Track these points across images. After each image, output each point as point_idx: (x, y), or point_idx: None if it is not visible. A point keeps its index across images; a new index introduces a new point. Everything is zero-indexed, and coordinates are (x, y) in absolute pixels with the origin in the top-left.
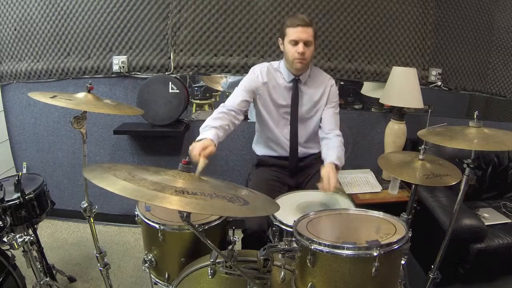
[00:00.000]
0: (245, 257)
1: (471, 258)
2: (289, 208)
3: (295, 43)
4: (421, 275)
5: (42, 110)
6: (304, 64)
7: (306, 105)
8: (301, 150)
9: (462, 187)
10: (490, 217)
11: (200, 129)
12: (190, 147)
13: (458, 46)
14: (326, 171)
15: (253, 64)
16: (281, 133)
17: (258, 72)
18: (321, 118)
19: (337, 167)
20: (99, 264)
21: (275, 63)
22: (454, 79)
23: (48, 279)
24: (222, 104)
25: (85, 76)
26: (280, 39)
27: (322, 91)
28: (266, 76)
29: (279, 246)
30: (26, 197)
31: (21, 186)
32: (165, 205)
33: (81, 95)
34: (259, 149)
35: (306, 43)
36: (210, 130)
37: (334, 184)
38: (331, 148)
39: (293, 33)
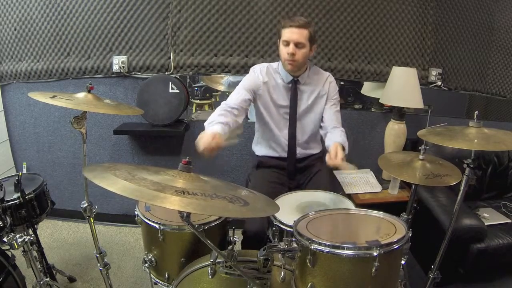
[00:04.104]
0: (245, 257)
1: (471, 258)
2: (289, 208)
3: (287, 43)
4: (421, 275)
5: (42, 110)
6: (294, 66)
7: (306, 103)
8: (301, 151)
9: (462, 187)
10: (490, 217)
11: (206, 123)
12: (198, 138)
13: (458, 46)
14: (334, 146)
15: (253, 64)
16: (281, 134)
17: (258, 72)
18: (322, 117)
19: (343, 148)
20: (99, 264)
21: (274, 64)
22: (454, 79)
23: (48, 279)
24: (223, 102)
25: (85, 76)
26: (278, 40)
27: (321, 88)
28: (266, 76)
29: (279, 246)
30: (26, 197)
31: (21, 186)
32: (166, 205)
33: (81, 95)
34: (259, 150)
35: (297, 45)
36: (217, 125)
37: (340, 157)
38: (336, 136)
39: (285, 33)
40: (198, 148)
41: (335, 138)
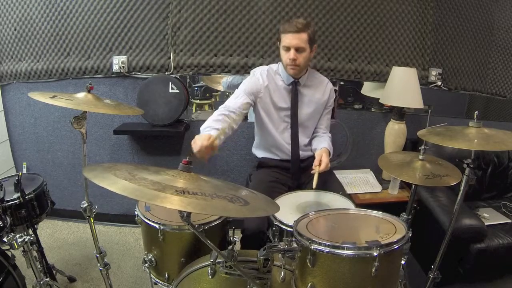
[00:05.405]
0: (245, 257)
1: (471, 258)
2: (289, 208)
3: (287, 49)
4: (421, 275)
5: (42, 110)
6: (297, 70)
7: (306, 107)
8: (302, 153)
9: (462, 187)
10: (490, 217)
11: (201, 128)
12: (193, 140)
13: (458, 46)
14: (319, 153)
15: (253, 64)
16: (281, 137)
17: (259, 75)
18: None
19: (329, 153)
20: (99, 264)
21: (274, 66)
22: (454, 79)
23: (48, 279)
24: (222, 105)
25: (85, 76)
26: (278, 44)
27: (322, 94)
28: (267, 79)
29: (279, 246)
30: (26, 197)
31: (21, 186)
32: (166, 205)
33: (81, 95)
34: (260, 153)
35: (297, 49)
36: (212, 131)
37: (325, 164)
38: (323, 141)
39: (285, 39)
40: (194, 149)
41: (323, 144)
